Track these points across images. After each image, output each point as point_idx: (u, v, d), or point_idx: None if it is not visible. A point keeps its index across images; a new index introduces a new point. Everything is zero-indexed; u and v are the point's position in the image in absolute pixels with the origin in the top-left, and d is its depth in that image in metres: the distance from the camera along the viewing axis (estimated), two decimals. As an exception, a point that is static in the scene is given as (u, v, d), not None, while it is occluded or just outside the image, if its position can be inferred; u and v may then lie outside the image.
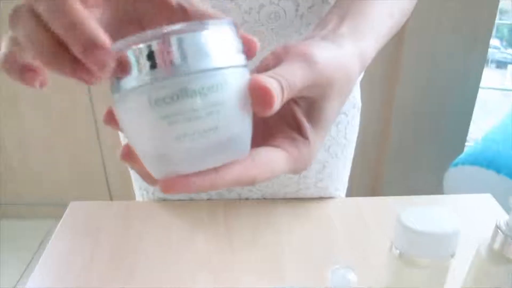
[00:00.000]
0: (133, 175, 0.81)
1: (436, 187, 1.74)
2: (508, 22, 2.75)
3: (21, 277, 1.91)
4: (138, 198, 0.83)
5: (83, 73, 0.28)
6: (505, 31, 2.97)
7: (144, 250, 0.67)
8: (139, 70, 0.26)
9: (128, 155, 0.31)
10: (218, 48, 0.27)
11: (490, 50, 1.82)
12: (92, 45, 0.26)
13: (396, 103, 1.88)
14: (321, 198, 0.77)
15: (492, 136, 1.61)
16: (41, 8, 0.27)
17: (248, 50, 0.31)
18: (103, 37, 0.26)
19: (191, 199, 0.77)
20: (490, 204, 0.77)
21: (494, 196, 0.78)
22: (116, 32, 0.34)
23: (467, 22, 1.75)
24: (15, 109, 2.03)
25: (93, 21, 0.27)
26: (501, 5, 1.74)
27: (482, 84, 1.87)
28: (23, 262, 1.98)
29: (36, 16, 0.27)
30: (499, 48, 2.98)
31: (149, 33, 0.27)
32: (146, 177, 0.31)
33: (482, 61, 1.81)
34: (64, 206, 0.79)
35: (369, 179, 2.09)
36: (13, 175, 2.16)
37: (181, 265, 0.65)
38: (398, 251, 0.42)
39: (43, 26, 0.27)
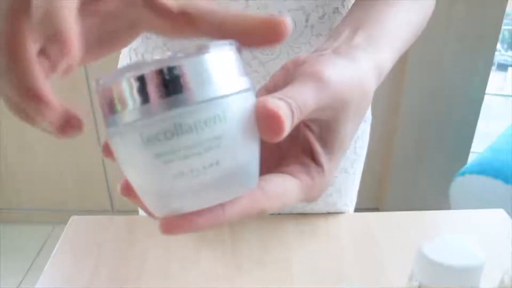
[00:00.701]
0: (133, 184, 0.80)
1: (442, 195, 1.73)
2: (509, 27, 2.75)
3: (21, 282, 1.90)
4: (141, 211, 0.81)
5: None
6: (506, 33, 2.98)
7: (147, 268, 0.66)
8: (129, 105, 0.24)
9: (128, 189, 0.29)
10: (216, 76, 0.25)
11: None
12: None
13: (401, 112, 1.87)
14: (329, 214, 0.76)
15: (499, 145, 1.60)
16: None
17: (276, 34, 0.28)
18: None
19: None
20: (503, 220, 0.75)
21: (502, 207, 0.77)
22: (108, 42, 0.32)
23: (472, 30, 1.74)
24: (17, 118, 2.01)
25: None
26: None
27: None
28: (23, 267, 1.97)
29: None
30: (499, 51, 2.99)
31: (137, 63, 0.24)
32: (148, 212, 0.29)
33: (487, 69, 1.81)
34: (64, 211, 0.78)
35: (375, 188, 2.07)
36: (13, 180, 2.15)
37: (186, 283, 0.63)
38: (417, 283, 0.40)
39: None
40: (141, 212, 0.82)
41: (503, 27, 1.79)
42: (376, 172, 2.02)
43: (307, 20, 0.60)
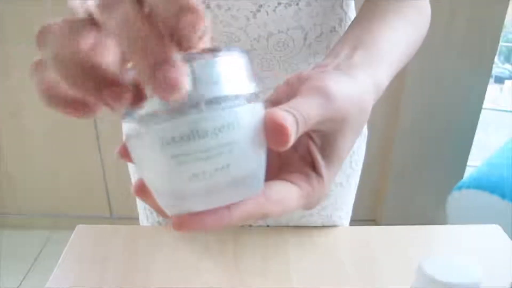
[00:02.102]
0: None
1: (438, 208, 1.74)
2: (507, 43, 2.78)
3: (19, 287, 1.90)
4: (142, 218, 0.82)
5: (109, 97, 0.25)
6: (503, 47, 3.00)
7: (150, 279, 0.67)
8: (150, 107, 0.25)
9: (141, 190, 0.31)
10: (231, 86, 0.26)
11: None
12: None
13: (399, 125, 1.89)
14: (328, 227, 0.77)
15: (496, 160, 1.61)
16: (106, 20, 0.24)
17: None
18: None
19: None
20: (499, 236, 0.76)
21: (499, 222, 0.78)
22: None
23: (470, 46, 1.76)
24: (17, 120, 2.02)
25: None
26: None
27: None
28: (21, 272, 1.97)
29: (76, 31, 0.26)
30: (496, 63, 3.01)
31: None
32: (159, 211, 0.31)
33: (484, 84, 1.83)
34: (63, 217, 0.79)
35: (372, 199, 2.09)
36: (13, 185, 2.15)
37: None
38: (416, 298, 0.42)
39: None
40: (141, 221, 0.83)
41: (501, 43, 1.81)
42: (373, 184, 2.04)
43: (305, 39, 0.62)
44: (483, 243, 0.75)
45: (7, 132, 2.04)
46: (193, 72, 0.25)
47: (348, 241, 0.75)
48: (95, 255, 0.71)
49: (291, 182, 0.33)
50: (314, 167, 0.34)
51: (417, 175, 2.00)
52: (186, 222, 0.28)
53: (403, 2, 0.52)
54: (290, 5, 0.59)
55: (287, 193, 0.32)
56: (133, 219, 0.81)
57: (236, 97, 0.27)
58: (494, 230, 0.77)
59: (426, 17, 0.55)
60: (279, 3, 0.59)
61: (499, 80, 3.10)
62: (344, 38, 0.45)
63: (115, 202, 2.16)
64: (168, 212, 0.29)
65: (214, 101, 0.26)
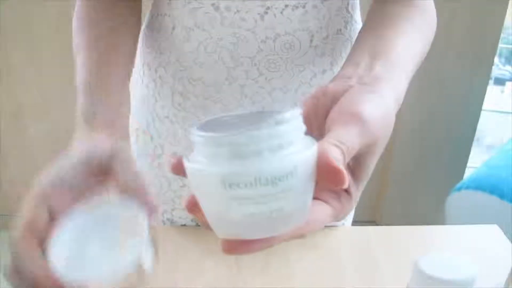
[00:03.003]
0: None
1: (438, 210, 1.74)
2: (507, 45, 2.78)
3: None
4: None
5: None
6: (504, 49, 3.01)
7: (152, 278, 0.67)
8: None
9: (194, 206, 0.32)
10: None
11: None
12: None
13: (399, 126, 1.89)
14: (328, 227, 0.78)
15: (495, 161, 1.62)
16: None
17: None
18: None
19: (199, 225, 0.77)
20: (497, 236, 0.77)
21: (497, 222, 0.79)
22: None
23: (470, 47, 1.77)
24: (17, 123, 2.03)
25: None
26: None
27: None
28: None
29: None
30: (497, 65, 3.02)
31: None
32: (206, 226, 0.33)
33: (484, 86, 1.83)
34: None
35: (372, 201, 2.09)
36: (13, 187, 2.16)
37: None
38: (413, 295, 0.42)
39: None
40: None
41: (501, 44, 1.82)
42: (373, 186, 2.04)
43: (311, 41, 0.63)
44: (481, 243, 0.75)
45: (8, 133, 2.05)
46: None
47: (348, 241, 0.75)
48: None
49: (324, 201, 0.35)
50: None
51: (417, 177, 2.00)
52: (235, 248, 0.31)
53: (410, 7, 0.53)
54: (297, 7, 0.61)
55: (321, 213, 0.35)
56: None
57: (295, 147, 0.29)
58: (492, 230, 0.78)
59: (433, 22, 0.57)
60: (287, 6, 0.60)
61: (500, 82, 3.11)
62: (359, 46, 0.47)
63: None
64: (218, 233, 0.31)
65: (276, 150, 0.28)
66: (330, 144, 0.32)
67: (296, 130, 0.30)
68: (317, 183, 0.33)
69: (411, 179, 2.01)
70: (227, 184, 0.28)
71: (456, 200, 1.56)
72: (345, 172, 0.30)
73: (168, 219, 0.78)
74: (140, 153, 0.77)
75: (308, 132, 0.33)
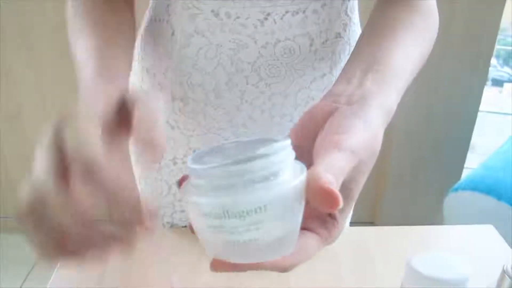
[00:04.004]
0: (141, 198, 0.82)
1: (436, 211, 1.75)
2: (504, 47, 2.79)
3: (18, 290, 1.91)
4: None
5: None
6: (502, 50, 3.01)
7: (150, 279, 0.68)
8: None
9: (191, 228, 0.35)
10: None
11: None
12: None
13: (396, 128, 1.90)
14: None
15: (492, 162, 1.62)
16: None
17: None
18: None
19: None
20: (493, 236, 0.77)
21: (494, 223, 0.79)
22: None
23: (467, 49, 1.77)
24: (17, 124, 2.03)
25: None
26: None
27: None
28: (21, 276, 1.97)
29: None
30: (495, 67, 3.02)
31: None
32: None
33: (481, 87, 1.84)
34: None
35: (370, 202, 2.09)
36: (13, 188, 2.16)
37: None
38: (407, 293, 0.43)
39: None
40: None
41: (499, 45, 1.83)
42: (371, 187, 2.04)
43: (311, 45, 0.64)
44: (476, 242, 0.76)
45: (7, 134, 2.05)
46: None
47: (346, 241, 0.75)
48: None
49: (310, 230, 0.36)
50: (330, 213, 0.37)
51: (414, 178, 2.01)
52: (221, 267, 0.33)
53: (411, 12, 0.53)
54: (297, 13, 0.61)
55: (308, 243, 0.35)
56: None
57: (266, 180, 0.30)
58: (488, 230, 0.79)
59: (434, 25, 0.56)
60: (287, 11, 0.60)
61: (499, 83, 3.11)
62: (355, 58, 0.47)
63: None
64: (208, 253, 0.33)
65: (248, 185, 0.30)
66: (320, 169, 0.32)
67: (281, 161, 0.31)
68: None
69: (409, 180, 2.02)
70: (203, 213, 0.31)
71: (453, 201, 1.57)
72: (338, 193, 0.30)
73: (168, 222, 0.79)
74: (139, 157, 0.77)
75: (299, 159, 0.34)
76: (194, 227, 0.33)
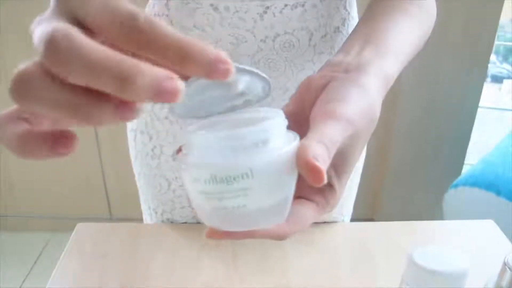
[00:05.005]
0: (142, 196, 0.82)
1: (436, 207, 1.75)
2: (504, 42, 2.79)
3: (19, 290, 1.91)
4: (146, 217, 0.84)
5: (126, 110, 0.26)
6: (501, 47, 3.02)
7: (150, 277, 0.68)
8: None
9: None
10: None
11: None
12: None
13: (396, 124, 1.90)
14: (326, 223, 0.78)
15: (491, 158, 1.63)
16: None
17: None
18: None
19: (198, 222, 0.78)
20: (493, 231, 0.78)
21: (494, 218, 0.80)
22: None
23: (466, 45, 1.77)
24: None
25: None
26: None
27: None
28: (21, 274, 1.98)
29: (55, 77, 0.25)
30: (494, 63, 3.03)
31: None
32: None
33: (481, 83, 1.84)
34: (63, 219, 0.80)
35: (370, 199, 2.10)
36: (12, 187, 2.16)
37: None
38: (408, 287, 0.43)
39: (67, 84, 0.25)
40: (145, 220, 0.84)
41: (498, 42, 1.83)
42: (371, 183, 2.05)
43: (310, 39, 0.64)
44: (477, 238, 0.76)
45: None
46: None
47: (345, 236, 0.76)
48: (95, 254, 0.72)
49: (306, 198, 0.36)
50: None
51: (414, 174, 2.01)
52: (215, 234, 0.33)
53: (409, 3, 0.53)
54: (296, 6, 0.61)
55: (304, 212, 0.35)
56: (133, 220, 0.82)
57: (255, 146, 0.30)
58: (489, 226, 0.79)
59: (431, 15, 0.57)
60: (286, 5, 0.61)
61: (498, 79, 3.12)
62: (352, 36, 0.47)
63: (115, 203, 2.17)
64: (204, 222, 0.33)
65: (237, 150, 0.30)
66: (312, 140, 0.32)
67: (272, 129, 0.31)
68: (298, 181, 0.33)
69: (409, 176, 2.02)
70: (193, 179, 0.31)
71: (453, 196, 1.57)
72: (323, 170, 0.30)
73: (168, 219, 0.79)
74: (139, 153, 0.77)
75: (297, 128, 0.34)
76: (188, 195, 0.33)
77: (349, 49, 0.44)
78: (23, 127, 0.29)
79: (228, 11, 0.61)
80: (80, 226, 0.78)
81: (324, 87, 0.39)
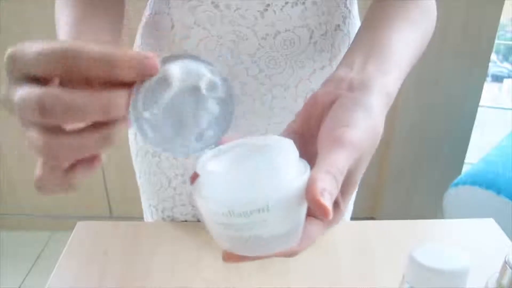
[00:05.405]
0: (143, 194, 0.82)
1: (436, 206, 1.75)
2: (504, 41, 2.79)
3: (20, 287, 1.91)
4: (147, 215, 0.84)
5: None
6: (502, 46, 3.02)
7: (150, 275, 0.68)
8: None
9: None
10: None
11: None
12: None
13: (396, 123, 1.90)
14: (326, 222, 0.78)
15: (491, 157, 1.63)
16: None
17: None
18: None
19: (198, 221, 0.78)
20: (493, 229, 0.77)
21: (494, 217, 0.79)
22: None
23: (467, 44, 1.77)
24: (16, 121, 2.03)
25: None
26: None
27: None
28: (21, 273, 1.98)
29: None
30: (495, 62, 3.03)
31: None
32: None
33: (481, 83, 1.84)
34: (63, 218, 0.80)
35: (371, 198, 2.10)
36: (12, 186, 2.16)
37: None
38: (408, 285, 0.43)
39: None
40: (146, 218, 0.84)
41: (498, 41, 1.83)
42: (372, 183, 2.05)
43: (311, 37, 0.64)
44: (478, 236, 0.76)
45: (6, 132, 2.05)
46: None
47: (346, 235, 0.76)
48: (96, 252, 0.72)
49: (313, 215, 0.36)
50: None
51: (415, 173, 2.01)
52: (232, 259, 0.35)
53: (409, 4, 0.54)
54: (296, 4, 0.61)
55: (313, 229, 0.36)
56: (133, 218, 0.82)
57: (270, 181, 0.31)
58: (489, 224, 0.79)
59: (432, 19, 0.57)
60: (286, 3, 0.61)
61: (498, 78, 3.12)
62: (355, 46, 0.48)
63: (115, 202, 2.17)
64: (219, 245, 0.35)
65: (253, 185, 0.31)
66: (321, 171, 0.33)
67: (285, 162, 0.32)
68: None
69: (409, 175, 2.02)
70: (210, 211, 0.32)
71: (453, 195, 1.57)
72: (329, 208, 0.31)
73: (168, 216, 0.79)
74: (139, 151, 0.77)
75: (304, 144, 0.36)
76: (203, 221, 0.34)
77: (352, 62, 0.44)
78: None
79: (229, 8, 0.61)
80: (80, 224, 0.78)
81: (330, 104, 0.40)
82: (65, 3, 0.54)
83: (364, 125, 0.38)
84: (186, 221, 0.79)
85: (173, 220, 0.79)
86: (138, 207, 0.86)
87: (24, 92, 0.31)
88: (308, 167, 0.34)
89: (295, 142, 0.34)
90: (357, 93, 0.40)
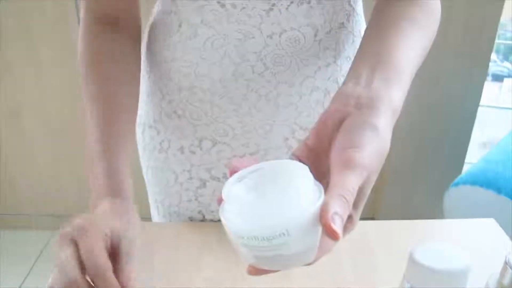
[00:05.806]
0: (149, 189, 0.83)
1: (436, 205, 1.75)
2: (504, 41, 2.79)
3: (20, 287, 1.91)
4: (153, 210, 0.84)
5: None
6: (502, 45, 3.02)
7: (151, 274, 0.68)
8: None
9: None
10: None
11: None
12: None
13: (397, 123, 1.90)
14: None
15: (492, 156, 1.63)
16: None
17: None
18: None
19: (202, 220, 0.78)
20: (494, 229, 0.77)
21: (494, 216, 0.79)
22: None
23: (467, 44, 1.77)
24: (16, 121, 2.03)
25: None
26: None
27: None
28: (22, 273, 1.98)
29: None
30: (495, 62, 3.03)
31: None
32: None
33: (481, 82, 1.84)
34: (64, 218, 0.80)
35: (371, 198, 2.08)
36: (13, 186, 2.17)
37: (190, 288, 0.65)
38: (409, 285, 0.43)
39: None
40: (152, 213, 0.85)
41: (498, 40, 1.83)
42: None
43: (316, 35, 0.65)
44: (478, 236, 0.76)
45: (7, 132, 2.05)
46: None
47: (347, 235, 0.76)
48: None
49: None
50: None
51: (415, 173, 2.01)
52: (256, 272, 0.39)
53: (414, 6, 0.55)
54: (302, 3, 0.62)
55: (328, 241, 0.38)
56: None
57: (289, 207, 0.35)
58: (490, 224, 0.79)
59: (436, 20, 0.58)
60: (292, 2, 0.62)
61: (499, 78, 3.12)
62: (362, 55, 0.49)
63: (116, 202, 2.17)
64: (242, 259, 0.39)
65: (274, 214, 0.35)
66: (333, 196, 0.36)
67: (302, 187, 0.36)
68: None
69: (410, 174, 2.02)
70: (234, 233, 0.36)
71: (454, 195, 1.57)
72: (339, 233, 0.34)
73: (174, 212, 0.79)
74: (146, 147, 0.78)
75: (317, 158, 0.41)
76: (228, 239, 0.38)
77: (359, 75, 0.45)
78: None
79: (235, 8, 0.62)
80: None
81: (339, 122, 0.42)
82: (90, 97, 0.63)
83: (373, 145, 0.40)
84: (191, 217, 0.79)
85: (178, 215, 0.79)
86: (138, 206, 0.86)
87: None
88: (322, 190, 0.37)
89: (309, 158, 0.39)
90: (365, 111, 0.42)
